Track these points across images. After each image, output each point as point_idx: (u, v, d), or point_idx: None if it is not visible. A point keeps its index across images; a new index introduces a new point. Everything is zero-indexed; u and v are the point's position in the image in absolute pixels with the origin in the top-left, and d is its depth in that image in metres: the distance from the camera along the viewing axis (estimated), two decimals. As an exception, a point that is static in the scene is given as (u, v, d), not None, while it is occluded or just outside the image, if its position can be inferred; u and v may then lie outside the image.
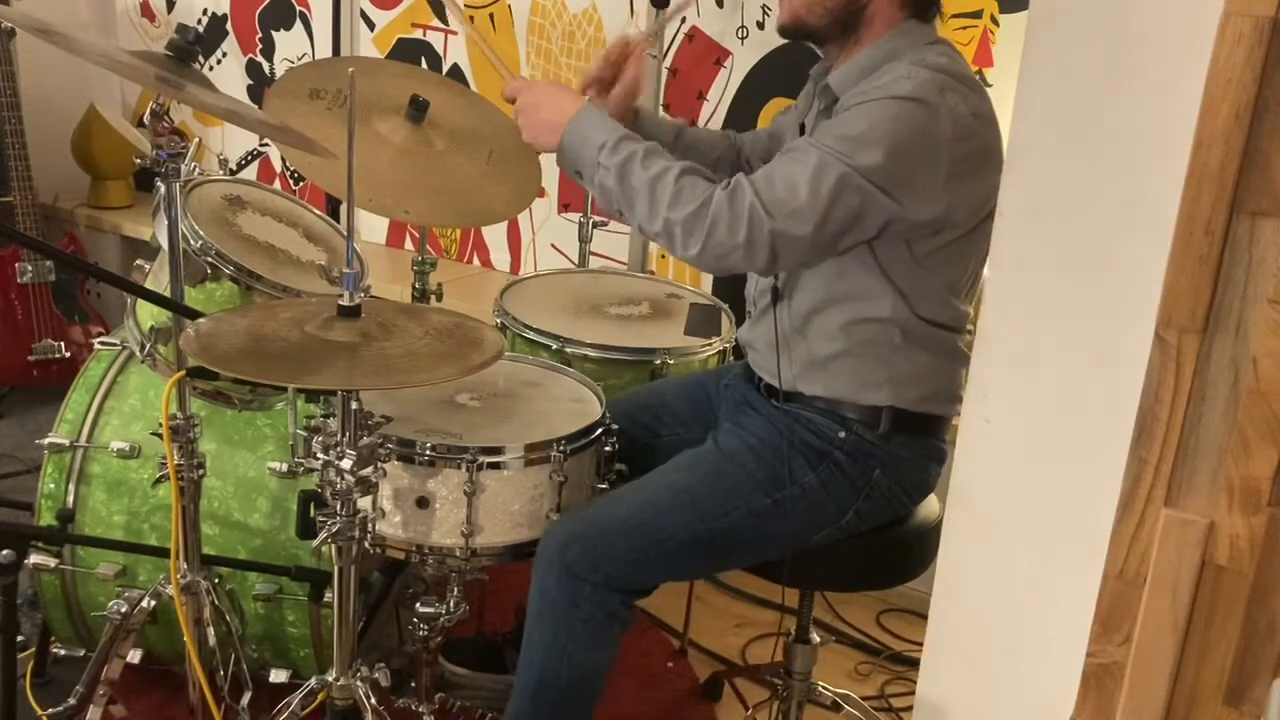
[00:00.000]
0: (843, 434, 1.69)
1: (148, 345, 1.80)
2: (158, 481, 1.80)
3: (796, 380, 1.73)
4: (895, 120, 1.52)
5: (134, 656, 1.85)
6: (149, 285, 1.83)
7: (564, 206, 3.05)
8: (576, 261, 2.74)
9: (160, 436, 1.67)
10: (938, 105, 1.52)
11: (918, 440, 1.72)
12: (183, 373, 1.64)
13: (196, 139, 3.55)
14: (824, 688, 2.02)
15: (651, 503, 1.67)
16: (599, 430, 1.76)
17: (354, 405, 1.46)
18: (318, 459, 1.50)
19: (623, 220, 1.68)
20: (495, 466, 1.65)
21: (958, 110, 1.53)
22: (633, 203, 1.58)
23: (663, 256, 2.92)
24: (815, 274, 1.67)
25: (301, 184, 3.42)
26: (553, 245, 3.11)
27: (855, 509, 1.70)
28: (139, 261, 1.99)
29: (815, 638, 1.96)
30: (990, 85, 2.34)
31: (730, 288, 2.10)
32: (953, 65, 1.59)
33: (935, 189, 1.55)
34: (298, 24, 3.37)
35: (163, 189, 1.62)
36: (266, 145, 2.85)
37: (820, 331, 1.69)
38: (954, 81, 1.55)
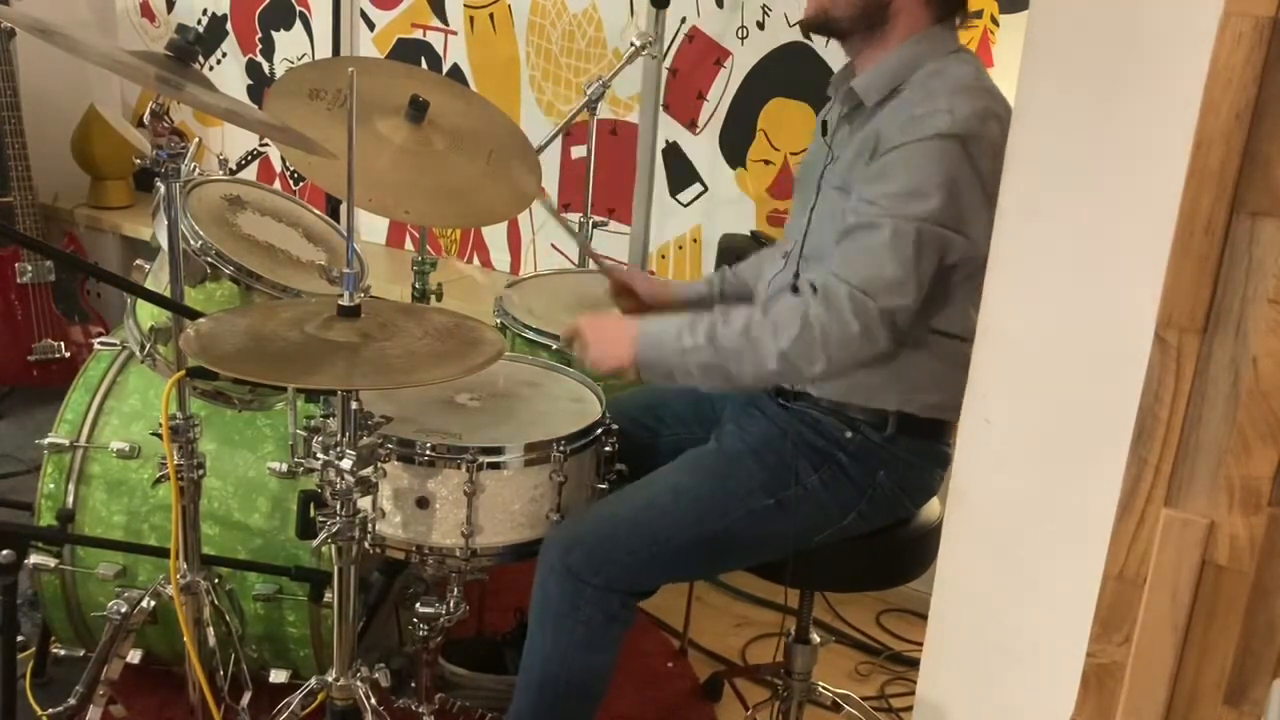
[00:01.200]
0: (849, 434, 1.69)
1: (148, 345, 1.79)
2: (158, 481, 1.80)
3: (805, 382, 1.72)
4: (941, 161, 1.53)
5: (134, 656, 1.86)
6: (149, 285, 1.83)
7: (564, 207, 3.05)
8: (576, 261, 2.74)
9: (160, 436, 1.67)
10: (980, 138, 1.53)
11: (923, 444, 1.72)
12: (183, 373, 1.64)
13: (196, 139, 3.55)
14: (824, 688, 2.02)
15: (653, 504, 1.67)
16: (599, 430, 1.76)
17: (354, 405, 1.46)
18: (318, 459, 1.49)
19: (733, 389, 1.75)
20: (495, 466, 1.65)
21: (997, 141, 1.52)
22: (739, 361, 1.58)
23: (663, 257, 2.92)
24: None
25: (301, 184, 3.42)
26: (553, 245, 3.10)
27: (858, 510, 1.70)
28: (139, 261, 1.99)
29: (815, 638, 1.96)
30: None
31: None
32: (982, 81, 1.60)
33: (987, 218, 1.55)
34: (297, 24, 3.37)
35: (163, 189, 1.62)
36: (266, 145, 2.84)
37: None
38: (993, 108, 1.56)
